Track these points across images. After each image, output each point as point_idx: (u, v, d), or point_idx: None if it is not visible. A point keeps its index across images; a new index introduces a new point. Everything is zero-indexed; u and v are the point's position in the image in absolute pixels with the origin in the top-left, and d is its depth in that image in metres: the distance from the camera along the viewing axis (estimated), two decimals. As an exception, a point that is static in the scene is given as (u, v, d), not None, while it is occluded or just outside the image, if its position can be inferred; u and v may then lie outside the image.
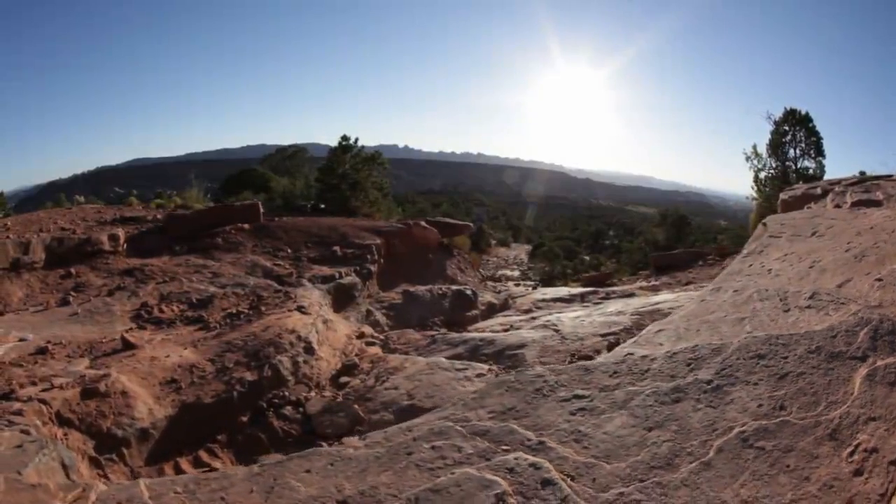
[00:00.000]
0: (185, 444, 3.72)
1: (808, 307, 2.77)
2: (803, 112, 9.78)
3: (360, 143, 10.20)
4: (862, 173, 7.40)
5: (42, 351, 4.47)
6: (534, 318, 6.65)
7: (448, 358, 4.83)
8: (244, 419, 3.94)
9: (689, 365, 2.33)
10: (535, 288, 10.73)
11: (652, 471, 1.73)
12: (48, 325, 5.22)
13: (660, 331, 3.16)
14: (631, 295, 8.00)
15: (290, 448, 3.75)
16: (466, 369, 4.45)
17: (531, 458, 1.88)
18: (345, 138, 10.10)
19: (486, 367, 4.55)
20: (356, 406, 4.05)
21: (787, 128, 9.98)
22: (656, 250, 12.69)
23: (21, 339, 4.90)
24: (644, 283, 8.85)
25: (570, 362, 4.56)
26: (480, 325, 6.94)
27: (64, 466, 2.89)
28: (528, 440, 2.00)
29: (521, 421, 2.12)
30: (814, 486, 1.60)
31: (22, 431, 3.11)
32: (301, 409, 4.08)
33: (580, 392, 2.29)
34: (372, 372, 4.63)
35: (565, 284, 11.07)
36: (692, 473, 1.68)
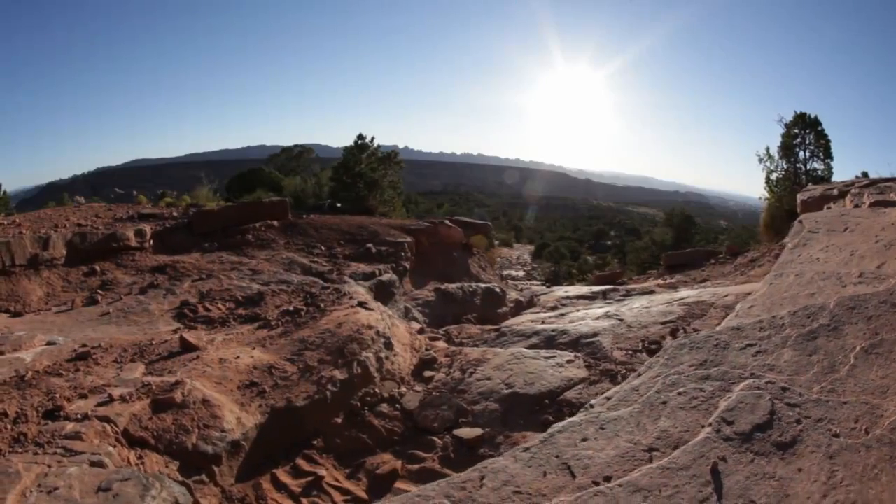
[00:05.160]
0: (278, 454, 3.06)
1: (860, 283, 3.38)
2: (812, 116, 10.01)
3: (376, 143, 9.58)
4: (864, 174, 7.62)
5: (83, 356, 3.61)
6: (562, 315, 6.27)
7: (527, 348, 4.39)
8: (338, 421, 3.30)
9: (808, 317, 2.85)
10: (548, 287, 10.42)
11: (826, 375, 2.36)
12: (77, 326, 4.33)
13: (751, 307, 3.60)
14: (651, 292, 7.76)
15: (399, 446, 3.18)
16: (554, 357, 4.03)
17: (761, 381, 2.31)
18: (360, 137, 9.44)
19: (571, 354, 4.15)
20: (454, 398, 3.54)
21: (797, 130, 10.12)
22: (663, 250, 12.66)
23: (49, 343, 4.00)
24: (660, 281, 8.70)
25: (644, 347, 4.39)
26: (511, 321, 6.49)
27: (180, 509, 2.15)
28: (742, 374, 2.40)
29: (722, 366, 2.50)
30: (911, 367, 2.31)
31: (93, 464, 2.32)
32: (398, 406, 3.50)
33: (749, 342, 2.69)
34: (454, 365, 4.10)
35: (571, 284, 10.82)
36: (848, 371, 2.35)
